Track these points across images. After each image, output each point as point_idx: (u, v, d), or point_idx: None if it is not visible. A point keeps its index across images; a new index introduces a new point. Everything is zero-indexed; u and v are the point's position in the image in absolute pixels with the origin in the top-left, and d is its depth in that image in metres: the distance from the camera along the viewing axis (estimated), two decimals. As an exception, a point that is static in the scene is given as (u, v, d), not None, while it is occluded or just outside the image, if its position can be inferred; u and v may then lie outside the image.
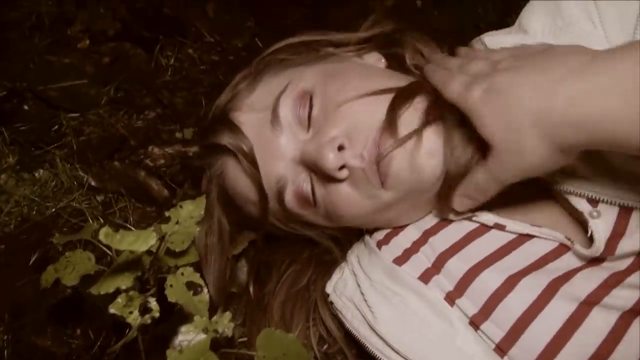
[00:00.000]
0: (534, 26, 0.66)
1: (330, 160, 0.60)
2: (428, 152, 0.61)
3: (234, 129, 0.66)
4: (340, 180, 0.63)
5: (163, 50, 1.04)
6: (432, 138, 0.62)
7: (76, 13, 1.05)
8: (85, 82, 0.94)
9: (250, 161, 0.65)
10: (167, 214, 0.52)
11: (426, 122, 0.61)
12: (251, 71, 0.71)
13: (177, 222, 0.53)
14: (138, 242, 0.44)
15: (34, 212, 0.81)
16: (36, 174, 0.84)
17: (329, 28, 1.24)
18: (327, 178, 0.64)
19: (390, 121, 0.61)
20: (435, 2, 1.27)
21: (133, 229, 0.82)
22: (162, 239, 0.48)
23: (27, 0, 1.04)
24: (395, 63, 0.75)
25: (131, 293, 0.48)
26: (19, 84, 0.92)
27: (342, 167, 0.62)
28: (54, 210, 0.81)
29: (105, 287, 0.48)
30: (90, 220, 0.81)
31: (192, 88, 1.00)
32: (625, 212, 0.59)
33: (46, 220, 0.81)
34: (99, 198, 0.84)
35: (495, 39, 0.69)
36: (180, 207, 0.53)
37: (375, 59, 0.74)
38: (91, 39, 1.02)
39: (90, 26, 1.03)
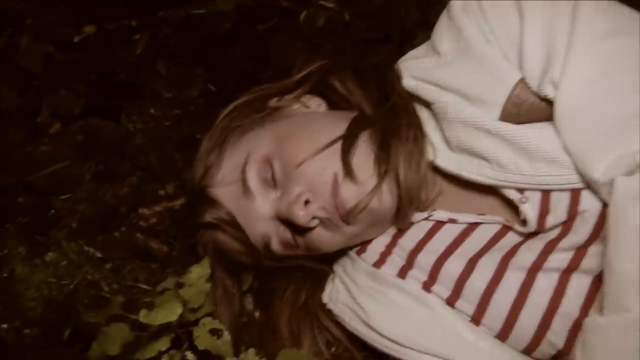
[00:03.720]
0: (443, 48, 0.76)
1: (301, 216, 0.73)
2: (376, 191, 0.74)
3: (214, 204, 0.78)
4: (313, 227, 0.76)
5: (129, 116, 1.13)
6: (376, 178, 0.75)
7: (40, 100, 1.13)
8: (67, 164, 1.03)
9: (235, 228, 0.77)
10: (180, 280, 0.64)
11: (381, 175, 0.74)
12: (214, 142, 0.82)
13: (190, 285, 0.64)
14: (169, 313, 0.55)
15: (55, 292, 0.91)
16: (46, 258, 0.94)
17: (271, 57, 1.35)
18: (302, 228, 0.76)
19: (347, 171, 0.73)
20: (361, 15, 1.38)
21: (144, 286, 0.93)
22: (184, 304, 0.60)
23: (-11, 99, 1.11)
24: (334, 100, 0.86)
25: (171, 352, 0.59)
26: (7, 179, 1.00)
27: (312, 218, 0.74)
28: (71, 286, 0.91)
29: (149, 352, 0.59)
30: (105, 288, 0.92)
31: (162, 146, 1.10)
32: (545, 195, 0.72)
33: (67, 297, 0.90)
34: (108, 266, 0.94)
35: (413, 64, 0.80)
36: (190, 271, 0.65)
37: (316, 104, 0.85)
38: (60, 121, 1.10)
39: (56, 109, 1.12)
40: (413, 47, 1.29)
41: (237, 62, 1.29)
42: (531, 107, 0.71)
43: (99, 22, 1.30)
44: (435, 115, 0.78)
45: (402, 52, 1.28)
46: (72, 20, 1.29)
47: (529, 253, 0.74)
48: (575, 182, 0.69)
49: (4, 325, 0.86)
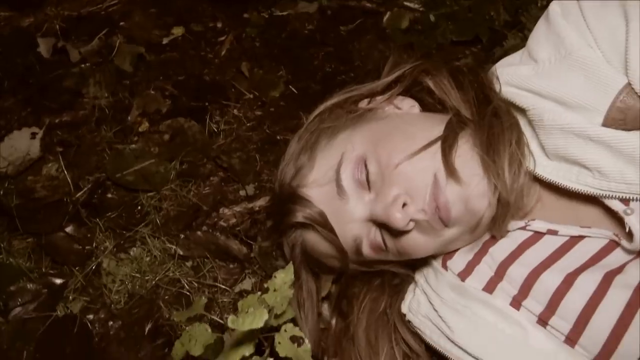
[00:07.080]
0: (541, 56, 0.73)
1: (399, 219, 0.70)
2: (480, 193, 0.71)
3: (307, 204, 0.76)
4: (408, 231, 0.73)
5: (212, 117, 1.15)
6: (480, 179, 0.71)
7: (131, 99, 1.17)
8: (153, 162, 1.05)
9: (328, 229, 0.75)
10: (265, 285, 0.63)
11: (490, 177, 0.71)
12: (305, 143, 0.81)
13: (274, 290, 0.63)
14: (256, 320, 0.54)
15: (137, 287, 0.93)
16: (131, 253, 0.97)
17: (353, 59, 1.33)
18: (397, 231, 0.73)
19: (450, 171, 0.70)
20: (447, 15, 1.34)
21: (223, 286, 0.93)
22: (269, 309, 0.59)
23: (87, 96, 1.17)
24: (427, 102, 0.83)
25: (254, 358, 0.58)
26: (98, 175, 1.04)
27: (409, 221, 0.72)
28: (153, 282, 0.93)
29: (232, 357, 0.59)
30: (186, 286, 0.93)
31: (244, 147, 1.11)
32: None
33: (149, 292, 0.93)
34: (188, 264, 0.96)
35: (510, 71, 0.76)
36: (275, 277, 0.64)
37: (409, 106, 0.82)
38: (149, 120, 1.14)
39: (145, 108, 1.15)
40: (503, 49, 1.25)
41: (319, 64, 1.28)
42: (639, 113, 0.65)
43: (186, 24, 1.34)
44: (530, 122, 0.74)
45: (492, 55, 1.25)
46: (161, 22, 1.34)
47: (637, 270, 0.68)
48: None
49: (90, 316, 0.90)
